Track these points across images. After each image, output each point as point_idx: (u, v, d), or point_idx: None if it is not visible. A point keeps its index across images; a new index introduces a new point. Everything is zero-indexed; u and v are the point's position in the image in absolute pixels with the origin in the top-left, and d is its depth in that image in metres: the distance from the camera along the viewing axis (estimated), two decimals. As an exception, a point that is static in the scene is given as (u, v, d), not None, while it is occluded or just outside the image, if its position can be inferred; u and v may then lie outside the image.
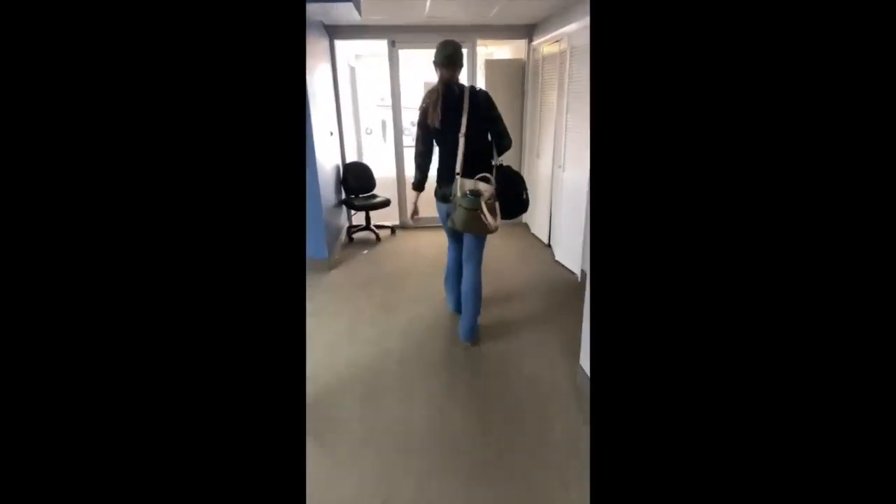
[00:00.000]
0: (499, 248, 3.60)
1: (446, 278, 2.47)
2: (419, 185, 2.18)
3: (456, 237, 2.23)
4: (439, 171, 2.08)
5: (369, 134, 8.92)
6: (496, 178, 1.96)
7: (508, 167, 2.07)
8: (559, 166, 3.20)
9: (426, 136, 2.05)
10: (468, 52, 3.84)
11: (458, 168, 1.95)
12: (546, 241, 3.67)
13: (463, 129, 1.93)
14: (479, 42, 3.97)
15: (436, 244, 3.82)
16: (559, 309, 2.60)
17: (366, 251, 3.71)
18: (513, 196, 2.03)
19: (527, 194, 2.09)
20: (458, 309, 2.40)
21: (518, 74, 4.08)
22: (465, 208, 1.88)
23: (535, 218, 3.96)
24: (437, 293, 2.84)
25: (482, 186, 1.93)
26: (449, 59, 1.91)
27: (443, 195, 2.06)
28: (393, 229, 4.22)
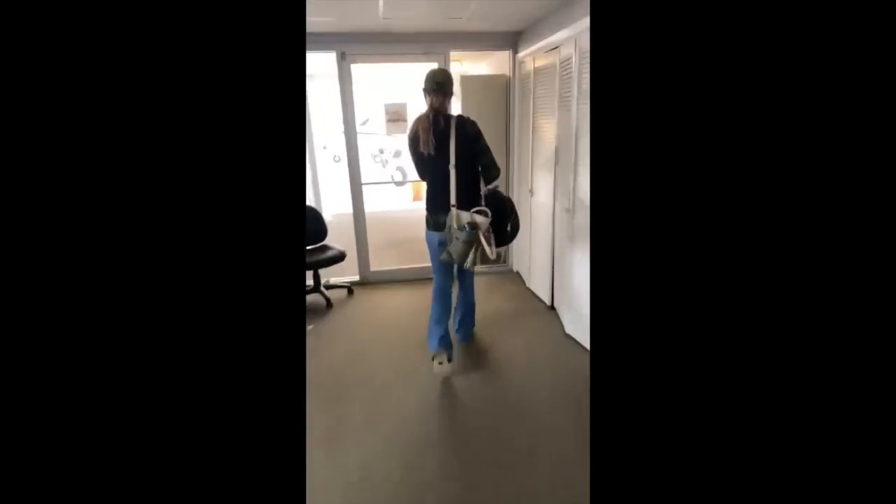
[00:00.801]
0: (489, 305, 2.75)
1: (433, 308, 2.20)
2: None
3: (445, 266, 2.11)
4: (429, 200, 2.04)
5: (337, 162, 8.18)
6: (486, 206, 1.97)
7: (497, 192, 2.04)
8: (567, 210, 2.40)
9: (418, 162, 2.04)
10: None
11: (452, 199, 1.94)
12: (548, 301, 2.84)
13: (453, 161, 1.91)
14: (452, 57, 3.22)
15: (403, 308, 2.93)
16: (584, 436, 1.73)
17: (311, 326, 2.78)
18: (504, 223, 2.03)
19: (516, 218, 2.08)
20: (443, 345, 2.15)
21: (500, 94, 3.33)
22: (465, 241, 1.88)
23: (532, 269, 3.14)
24: (408, 402, 1.93)
25: (479, 219, 1.92)
26: (440, 87, 1.90)
27: (435, 224, 2.03)
28: (350, 289, 3.30)
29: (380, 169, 7.66)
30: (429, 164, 1.97)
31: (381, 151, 7.74)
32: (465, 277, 2.26)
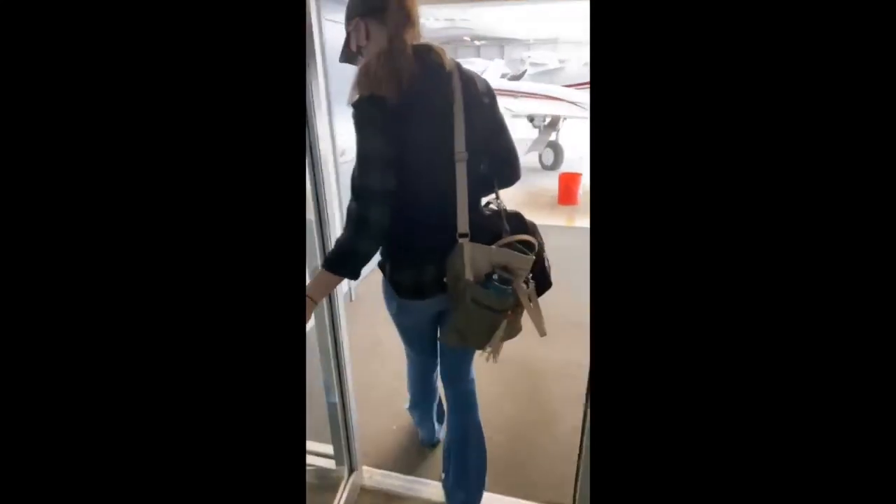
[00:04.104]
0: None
1: (414, 403, 1.49)
2: (354, 271, 0.96)
3: (431, 348, 1.23)
4: (397, 237, 0.98)
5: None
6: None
7: (517, 214, 1.10)
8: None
9: (378, 141, 0.91)
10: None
11: (462, 225, 0.97)
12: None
13: (462, 143, 0.95)
14: None
15: None
16: None
17: None
18: (541, 268, 1.10)
19: (543, 257, 1.12)
20: (435, 438, 1.53)
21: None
22: (492, 307, 0.96)
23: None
24: None
25: (514, 259, 0.99)
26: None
27: (417, 285, 1.03)
28: None
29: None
30: (410, 144, 0.95)
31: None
32: (457, 376, 1.23)
